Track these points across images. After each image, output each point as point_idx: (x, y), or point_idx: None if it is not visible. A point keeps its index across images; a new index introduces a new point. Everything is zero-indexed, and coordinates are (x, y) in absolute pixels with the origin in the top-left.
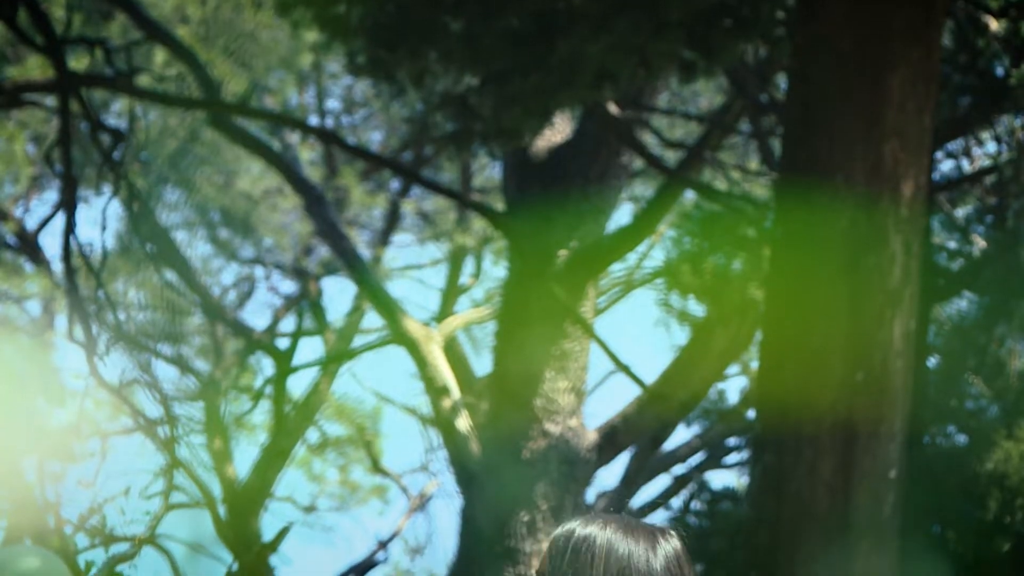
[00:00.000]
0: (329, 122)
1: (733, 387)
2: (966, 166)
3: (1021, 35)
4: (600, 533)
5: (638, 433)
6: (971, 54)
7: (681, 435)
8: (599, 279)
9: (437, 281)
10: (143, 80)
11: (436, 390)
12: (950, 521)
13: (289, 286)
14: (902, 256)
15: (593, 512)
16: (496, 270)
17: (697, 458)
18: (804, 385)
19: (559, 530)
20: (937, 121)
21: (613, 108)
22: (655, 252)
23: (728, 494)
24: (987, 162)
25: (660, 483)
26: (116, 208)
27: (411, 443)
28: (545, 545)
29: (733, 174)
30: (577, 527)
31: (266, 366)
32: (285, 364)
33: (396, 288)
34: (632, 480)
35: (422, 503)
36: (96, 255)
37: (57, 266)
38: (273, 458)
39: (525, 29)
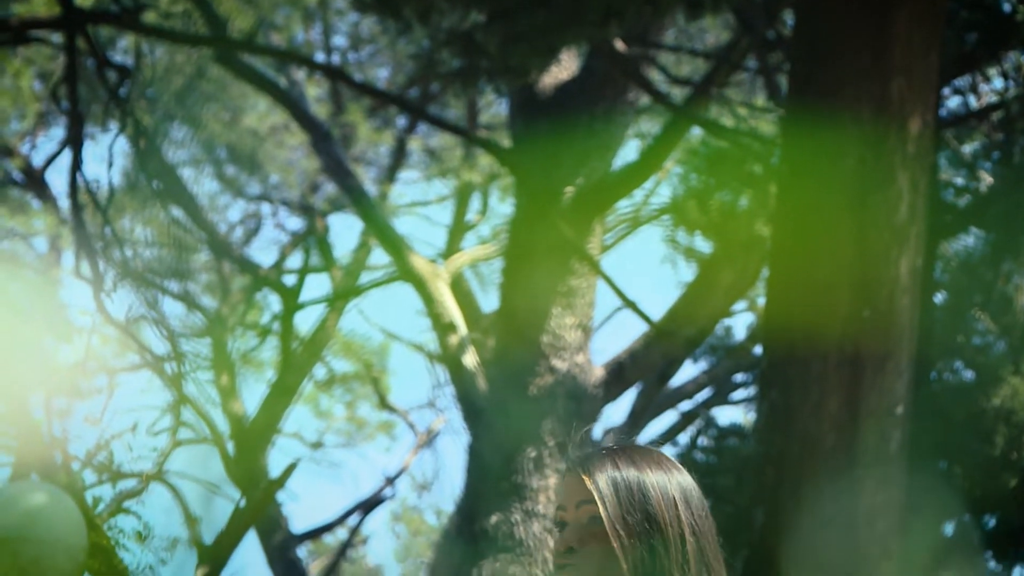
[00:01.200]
0: (335, 59)
1: (740, 323)
2: (973, 103)
3: None
4: (648, 472)
5: (645, 369)
6: None
7: (688, 371)
8: (606, 216)
9: (443, 218)
10: (149, 17)
11: (443, 326)
12: (957, 457)
13: (295, 223)
14: (909, 193)
15: (606, 444)
16: (502, 207)
17: (704, 394)
18: (811, 322)
19: (600, 479)
20: (944, 58)
21: (619, 45)
22: (661, 189)
23: (735, 430)
24: (994, 98)
25: (667, 419)
26: (122, 145)
27: (418, 379)
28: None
29: (740, 111)
30: (620, 472)
31: (273, 303)
32: (292, 301)
33: (402, 225)
34: (639, 416)
35: (429, 439)
36: (103, 192)
37: (64, 203)
38: (280, 394)
39: None
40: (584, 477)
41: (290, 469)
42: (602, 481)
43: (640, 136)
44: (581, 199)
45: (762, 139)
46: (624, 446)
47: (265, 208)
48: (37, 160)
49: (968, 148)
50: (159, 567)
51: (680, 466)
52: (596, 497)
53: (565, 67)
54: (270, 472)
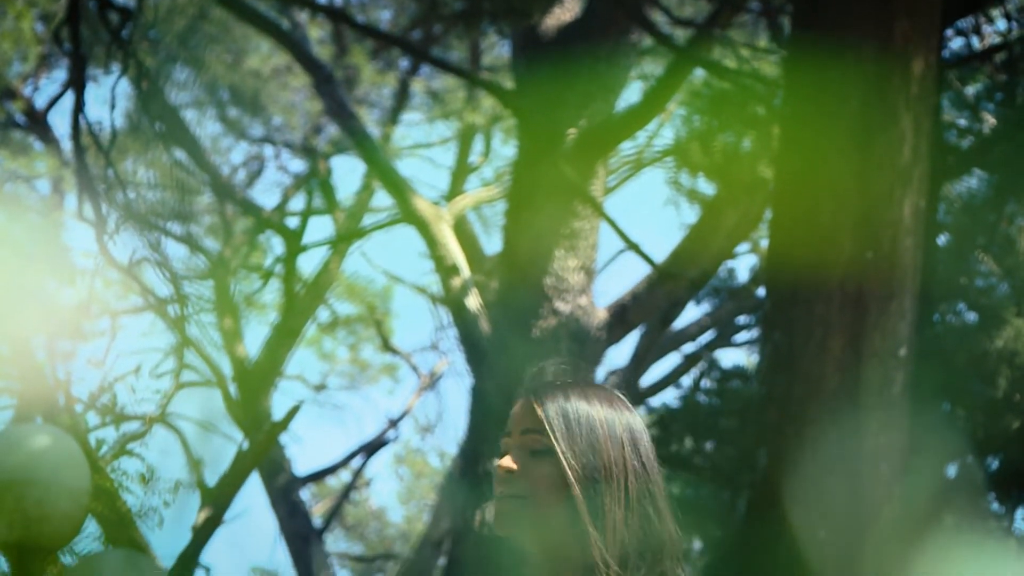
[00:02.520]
0: (338, 0)
1: (743, 265)
2: (976, 43)
3: None
4: (596, 405)
5: (648, 311)
6: None
7: (691, 313)
8: (608, 158)
9: (446, 160)
10: None
11: (445, 269)
12: (960, 399)
13: (298, 165)
14: (912, 134)
15: (561, 377)
16: (505, 149)
17: (707, 336)
18: (814, 263)
19: (549, 405)
20: None
21: None
22: (664, 131)
23: (738, 372)
24: (997, 40)
25: (670, 361)
26: (125, 87)
27: (421, 322)
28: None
29: (743, 52)
30: (569, 402)
31: (276, 245)
32: (295, 243)
33: (405, 167)
34: (642, 358)
35: (432, 381)
36: (105, 134)
37: (66, 145)
38: (283, 337)
39: None
40: (535, 405)
41: (293, 411)
42: (552, 410)
43: (643, 78)
44: (584, 141)
45: (765, 80)
46: (579, 381)
47: (268, 150)
48: (39, 102)
49: (971, 89)
50: (162, 509)
51: (631, 407)
52: (544, 425)
53: (568, 8)
54: (273, 414)
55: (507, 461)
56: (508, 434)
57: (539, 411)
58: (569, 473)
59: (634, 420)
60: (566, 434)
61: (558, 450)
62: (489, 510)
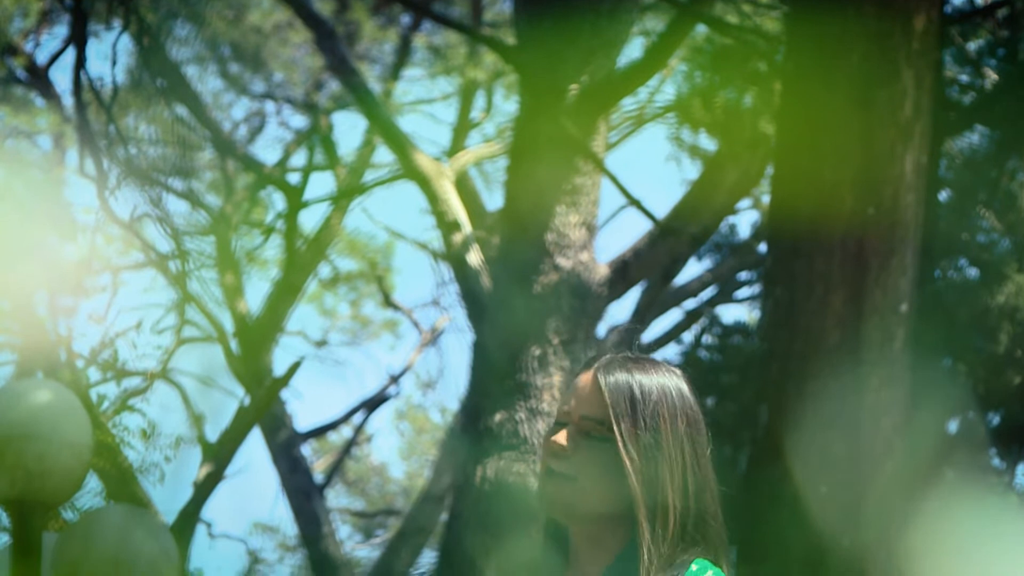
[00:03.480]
0: None
1: (744, 221)
2: None
3: None
4: (661, 386)
5: (649, 267)
6: None
7: (692, 269)
8: (610, 114)
9: (448, 116)
10: None
11: (447, 225)
12: (961, 354)
13: (300, 121)
14: (913, 90)
15: (613, 349)
16: (507, 105)
17: (708, 292)
18: (815, 219)
19: (612, 380)
20: None
21: None
22: (666, 87)
23: (739, 328)
24: None
25: (671, 318)
26: (126, 43)
27: (422, 278)
28: (583, 384)
29: (744, 8)
30: (634, 377)
31: (277, 201)
32: (296, 199)
33: (407, 123)
34: (643, 314)
35: (433, 337)
36: (106, 90)
37: (68, 101)
38: (284, 293)
39: None
40: (596, 377)
41: (294, 367)
42: (612, 383)
43: (645, 34)
44: (585, 97)
45: (766, 36)
46: (638, 356)
47: (269, 106)
48: (41, 58)
49: (973, 45)
50: (164, 465)
51: (686, 380)
52: (607, 412)
53: None
54: (274, 371)
55: (562, 438)
56: (566, 404)
57: (605, 395)
58: (627, 463)
59: (693, 403)
60: (628, 417)
61: (619, 442)
62: (537, 485)
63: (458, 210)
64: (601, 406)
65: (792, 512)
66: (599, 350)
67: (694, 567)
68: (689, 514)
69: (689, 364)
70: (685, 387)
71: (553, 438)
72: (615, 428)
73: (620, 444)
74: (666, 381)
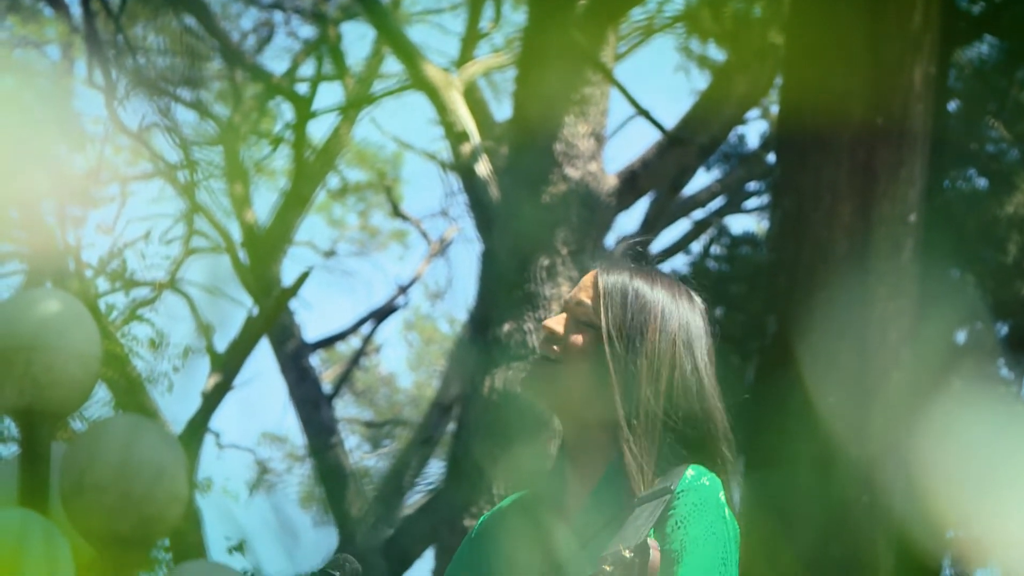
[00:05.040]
0: None
1: (753, 131)
2: None
3: None
4: (659, 294)
5: (658, 178)
6: None
7: (701, 180)
8: (619, 24)
9: (456, 26)
10: None
11: (455, 135)
12: (969, 265)
13: (308, 31)
14: (922, 1)
15: (621, 257)
16: (516, 15)
17: (717, 203)
18: (824, 130)
19: (610, 279)
20: None
21: None
22: None
23: (747, 239)
24: None
25: (680, 228)
26: None
27: (431, 188)
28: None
29: None
30: (632, 281)
31: (285, 111)
32: (305, 109)
33: (415, 33)
34: (652, 225)
35: (442, 248)
36: None
37: (76, 11)
38: (293, 203)
39: None
40: (598, 276)
41: (303, 278)
42: (611, 285)
43: None
44: (594, 7)
45: None
46: (650, 268)
47: (277, 16)
48: None
49: None
50: (172, 375)
51: (698, 305)
52: (599, 300)
53: None
54: (283, 281)
55: (552, 322)
56: (568, 297)
57: (600, 283)
58: (605, 339)
59: (695, 319)
60: (618, 311)
61: (602, 320)
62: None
63: (467, 120)
64: (595, 297)
65: (799, 421)
66: (615, 254)
67: (689, 472)
68: (677, 420)
69: (697, 274)
70: (687, 298)
71: (545, 322)
72: (603, 317)
73: (604, 333)
74: (666, 288)
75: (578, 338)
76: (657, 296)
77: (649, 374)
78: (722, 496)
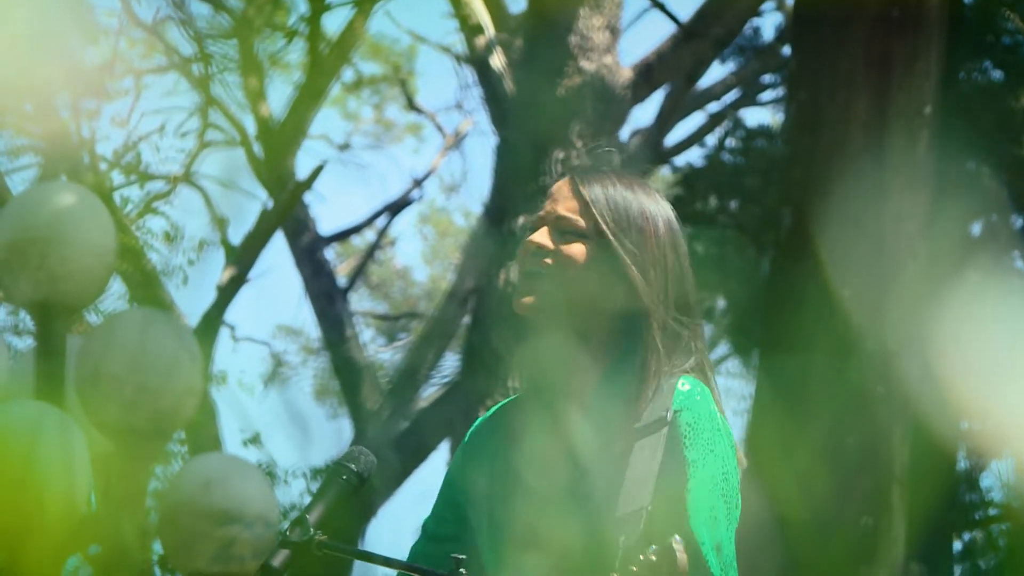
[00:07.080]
0: None
1: (768, 24)
2: None
3: None
4: (639, 194)
5: (673, 70)
6: None
7: (716, 72)
8: None
9: None
10: None
11: (470, 28)
12: (985, 157)
13: None
14: None
15: (592, 166)
16: None
17: (732, 95)
18: (840, 21)
19: (594, 187)
20: None
21: None
22: None
23: (763, 131)
24: None
25: (694, 121)
26: None
27: (446, 81)
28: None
29: None
30: (615, 185)
31: (300, 3)
32: (319, 2)
33: None
34: (667, 118)
35: (457, 141)
36: None
37: None
38: (307, 96)
39: None
40: (580, 187)
41: (317, 171)
42: (596, 190)
43: None
44: None
45: None
46: (622, 172)
47: None
48: None
49: None
50: (187, 268)
51: (668, 204)
52: (586, 196)
53: None
54: (298, 174)
55: (540, 236)
56: (543, 209)
57: (585, 193)
58: (612, 238)
59: (672, 215)
60: (614, 212)
61: (602, 223)
62: (514, 285)
63: (481, 13)
64: (579, 206)
65: (815, 313)
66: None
67: (684, 385)
68: (671, 323)
69: (712, 167)
70: (660, 196)
71: (530, 238)
72: (602, 221)
73: (609, 233)
74: (641, 188)
75: (570, 247)
76: (639, 196)
77: (655, 264)
78: (713, 407)
